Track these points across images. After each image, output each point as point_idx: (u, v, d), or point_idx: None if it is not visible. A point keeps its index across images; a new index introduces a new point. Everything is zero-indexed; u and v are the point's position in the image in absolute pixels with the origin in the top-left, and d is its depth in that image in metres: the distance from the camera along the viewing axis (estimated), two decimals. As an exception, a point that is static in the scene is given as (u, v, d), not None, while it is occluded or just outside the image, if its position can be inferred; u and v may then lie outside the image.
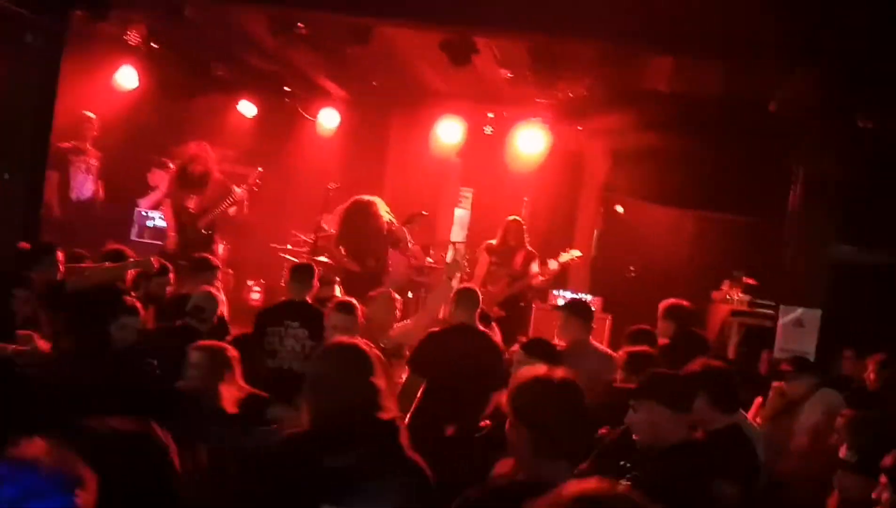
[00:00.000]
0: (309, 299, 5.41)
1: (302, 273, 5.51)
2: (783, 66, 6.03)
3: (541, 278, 7.72)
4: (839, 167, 6.46)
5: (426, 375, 4.93)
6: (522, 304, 7.91)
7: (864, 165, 6.49)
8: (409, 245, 7.73)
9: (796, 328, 6.91)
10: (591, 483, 1.49)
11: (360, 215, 7.45)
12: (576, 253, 7.85)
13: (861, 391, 5.57)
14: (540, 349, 4.26)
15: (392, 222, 7.52)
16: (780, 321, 6.94)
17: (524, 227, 7.85)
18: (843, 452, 3.47)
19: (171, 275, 5.81)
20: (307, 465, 2.34)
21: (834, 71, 5.94)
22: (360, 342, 2.76)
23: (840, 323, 6.86)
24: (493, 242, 7.81)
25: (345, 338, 2.90)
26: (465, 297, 5.27)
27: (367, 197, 7.57)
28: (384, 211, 7.54)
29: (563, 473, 2.28)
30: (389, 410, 2.50)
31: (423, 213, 7.80)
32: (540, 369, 2.55)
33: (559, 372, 2.50)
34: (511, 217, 7.93)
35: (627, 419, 3.20)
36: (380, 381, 2.51)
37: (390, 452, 2.41)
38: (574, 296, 8.01)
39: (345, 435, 2.37)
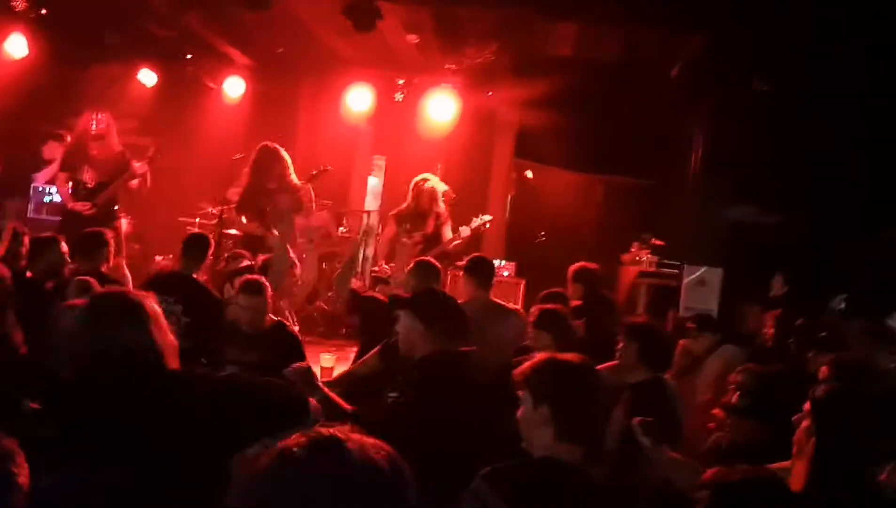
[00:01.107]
0: (201, 274, 5.28)
1: (190, 246, 5.33)
2: (680, 30, 6.15)
3: (455, 243, 7.55)
4: (737, 131, 6.66)
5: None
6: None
7: (761, 127, 6.71)
8: (313, 208, 7.46)
9: (699, 287, 7.16)
10: None
11: (266, 160, 7.11)
12: (486, 218, 7.84)
13: (761, 347, 5.81)
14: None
15: (296, 184, 7.17)
16: (684, 281, 7.17)
17: (434, 188, 7.52)
18: (734, 398, 3.62)
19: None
20: None
21: (729, 35, 6.10)
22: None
23: (740, 281, 7.13)
24: (403, 206, 7.51)
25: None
26: (423, 271, 5.13)
27: (274, 144, 7.26)
28: (290, 164, 7.26)
29: None
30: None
31: (327, 168, 7.44)
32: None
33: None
34: (420, 176, 7.60)
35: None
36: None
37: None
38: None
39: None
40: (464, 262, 7.96)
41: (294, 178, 7.16)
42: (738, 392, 3.65)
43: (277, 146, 7.21)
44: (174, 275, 5.14)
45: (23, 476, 1.64)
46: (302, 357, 4.15)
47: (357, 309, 5.50)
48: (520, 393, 2.47)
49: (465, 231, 7.57)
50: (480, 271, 5.47)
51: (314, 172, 7.28)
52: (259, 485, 1.19)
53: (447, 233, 7.56)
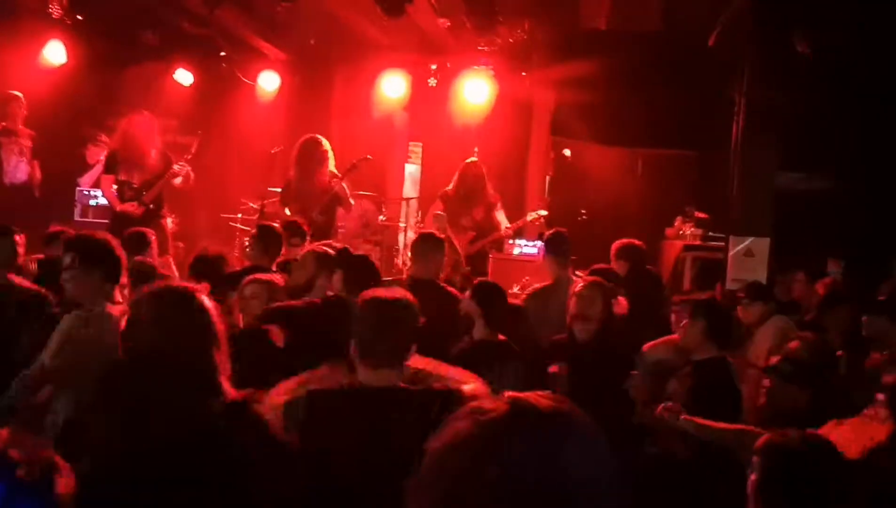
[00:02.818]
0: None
1: (260, 238, 5.39)
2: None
3: (510, 232, 7.31)
4: (778, 96, 6.49)
5: None
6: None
7: (803, 91, 6.54)
8: (352, 203, 7.44)
9: (746, 258, 7.02)
10: None
11: (310, 152, 7.08)
12: (541, 212, 7.76)
13: (810, 315, 5.70)
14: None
15: (336, 176, 7.14)
16: (731, 253, 7.03)
17: (484, 171, 7.35)
18: (774, 359, 3.58)
19: None
20: None
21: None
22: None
23: (788, 249, 6.98)
24: (449, 187, 7.31)
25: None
26: (424, 244, 4.97)
27: (317, 136, 7.23)
28: (331, 156, 7.24)
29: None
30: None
31: (368, 157, 7.34)
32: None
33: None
34: (469, 159, 7.46)
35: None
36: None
37: None
38: (534, 243, 7.56)
39: None
40: (512, 248, 7.92)
41: (333, 168, 7.18)
42: (783, 357, 3.63)
43: (321, 138, 7.23)
44: (254, 267, 5.15)
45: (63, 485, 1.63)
46: None
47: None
48: None
49: (516, 225, 7.40)
50: (560, 249, 5.39)
51: (354, 163, 7.28)
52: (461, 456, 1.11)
53: (501, 219, 7.33)
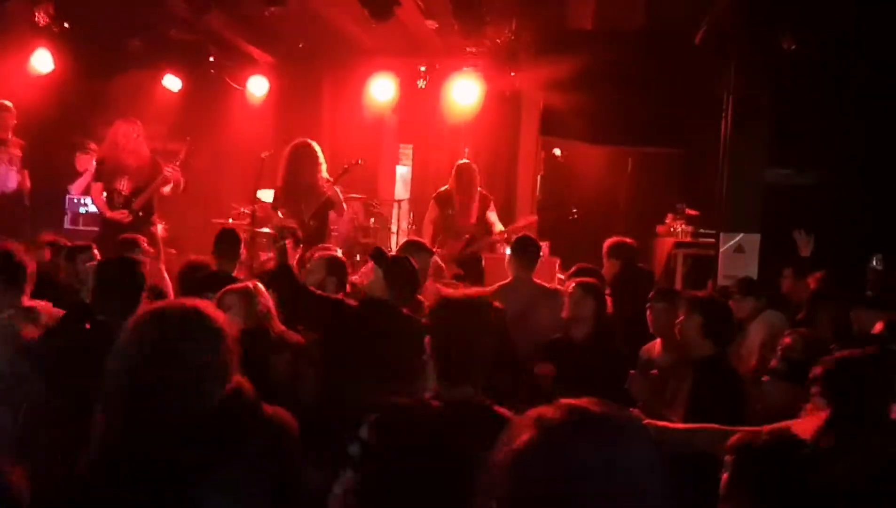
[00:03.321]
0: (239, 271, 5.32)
1: (219, 242, 5.38)
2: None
3: (505, 236, 7.31)
4: (766, 92, 6.53)
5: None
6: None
7: (790, 87, 6.57)
8: (344, 207, 7.45)
9: (737, 254, 7.06)
10: None
11: (300, 156, 7.06)
12: (531, 218, 7.77)
13: (800, 310, 5.73)
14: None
15: (328, 180, 7.13)
16: (721, 249, 7.07)
17: (476, 171, 7.37)
18: (773, 363, 3.58)
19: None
20: None
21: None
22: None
23: (779, 245, 7.01)
24: (444, 188, 7.34)
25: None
26: (411, 250, 4.87)
27: (308, 140, 7.22)
28: (323, 161, 7.25)
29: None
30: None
31: (359, 161, 7.33)
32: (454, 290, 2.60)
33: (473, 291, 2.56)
34: (462, 161, 7.52)
35: None
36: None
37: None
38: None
39: None
40: (504, 248, 7.97)
41: (325, 173, 7.17)
42: (780, 356, 3.62)
43: (310, 142, 7.23)
44: (215, 275, 5.15)
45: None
46: None
47: None
48: None
49: (509, 230, 7.39)
50: (526, 252, 5.46)
51: (345, 167, 7.27)
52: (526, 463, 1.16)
53: (494, 220, 7.34)
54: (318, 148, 7.20)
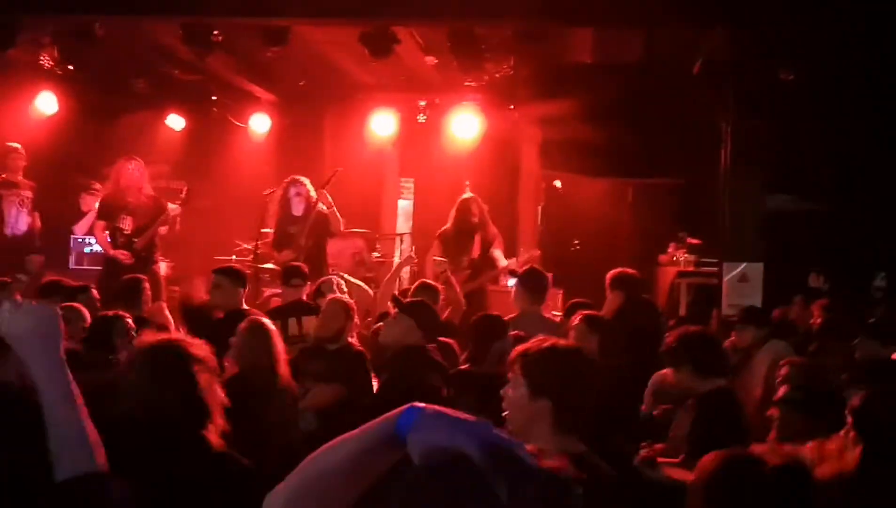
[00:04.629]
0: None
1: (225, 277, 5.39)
2: (700, 26, 6.11)
3: (509, 269, 7.24)
4: (765, 121, 6.57)
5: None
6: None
7: (789, 115, 6.61)
8: (340, 219, 7.40)
9: (741, 283, 7.03)
10: None
11: (288, 189, 7.22)
12: (533, 253, 7.71)
13: (807, 338, 5.70)
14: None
15: (318, 205, 7.21)
16: (725, 278, 7.05)
17: (475, 203, 7.32)
18: (782, 391, 3.52)
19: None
20: None
21: (751, 27, 6.03)
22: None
23: (783, 272, 7.00)
24: (446, 226, 7.31)
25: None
26: (422, 293, 5.07)
27: (295, 176, 7.35)
28: (311, 188, 7.30)
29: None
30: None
31: (339, 169, 7.43)
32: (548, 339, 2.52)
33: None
34: (465, 195, 7.48)
35: None
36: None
37: None
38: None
39: None
40: (507, 280, 7.95)
41: (313, 192, 7.26)
42: (786, 386, 3.57)
43: (298, 177, 7.33)
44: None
45: None
46: None
47: None
48: (510, 375, 2.36)
49: (512, 263, 7.39)
50: (535, 285, 5.44)
51: (327, 179, 7.36)
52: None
53: (499, 256, 7.27)
54: (304, 179, 7.34)
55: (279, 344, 4.05)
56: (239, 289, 5.42)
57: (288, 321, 5.33)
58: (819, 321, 5.81)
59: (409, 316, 4.06)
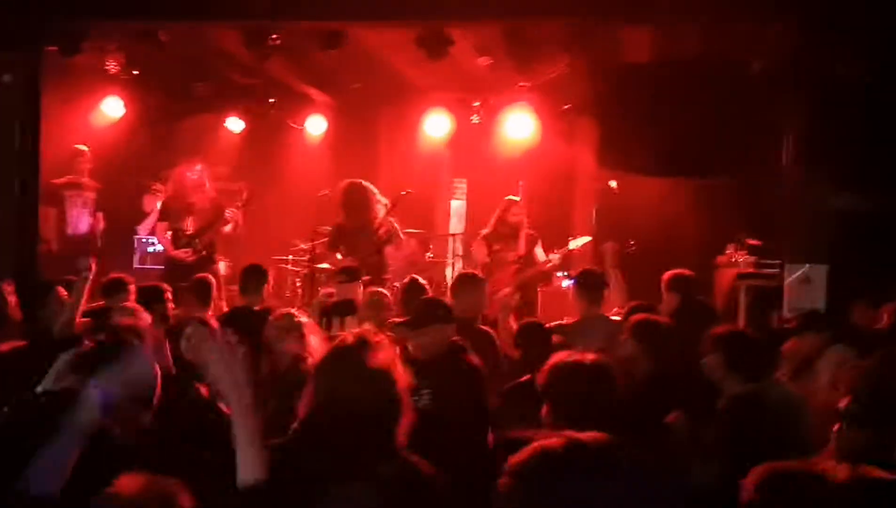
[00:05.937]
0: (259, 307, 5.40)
1: (248, 278, 5.48)
2: (758, 21, 5.97)
3: (549, 264, 7.53)
4: (828, 118, 6.37)
5: None
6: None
7: (854, 113, 6.40)
8: (402, 237, 7.54)
9: (804, 286, 6.82)
10: None
11: (354, 199, 7.29)
12: (585, 239, 7.76)
13: (872, 343, 5.50)
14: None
15: (383, 218, 7.32)
16: (787, 281, 6.85)
17: (514, 205, 7.57)
18: (843, 403, 3.36)
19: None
20: None
21: (814, 23, 5.87)
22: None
23: (848, 274, 6.76)
24: (486, 231, 7.56)
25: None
26: (466, 283, 5.11)
27: (359, 181, 7.43)
28: (379, 197, 7.39)
29: None
30: None
31: (405, 192, 7.52)
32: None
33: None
34: (507, 197, 7.69)
35: None
36: None
37: None
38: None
39: None
40: (560, 281, 7.97)
41: (381, 209, 7.32)
42: (849, 397, 3.41)
43: (362, 182, 7.40)
44: (237, 311, 5.26)
45: None
46: None
47: None
48: None
49: (555, 258, 7.49)
50: (591, 287, 5.39)
51: (394, 202, 7.41)
52: None
53: (539, 254, 7.50)
54: (369, 185, 7.36)
55: None
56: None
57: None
58: (888, 324, 5.62)
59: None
